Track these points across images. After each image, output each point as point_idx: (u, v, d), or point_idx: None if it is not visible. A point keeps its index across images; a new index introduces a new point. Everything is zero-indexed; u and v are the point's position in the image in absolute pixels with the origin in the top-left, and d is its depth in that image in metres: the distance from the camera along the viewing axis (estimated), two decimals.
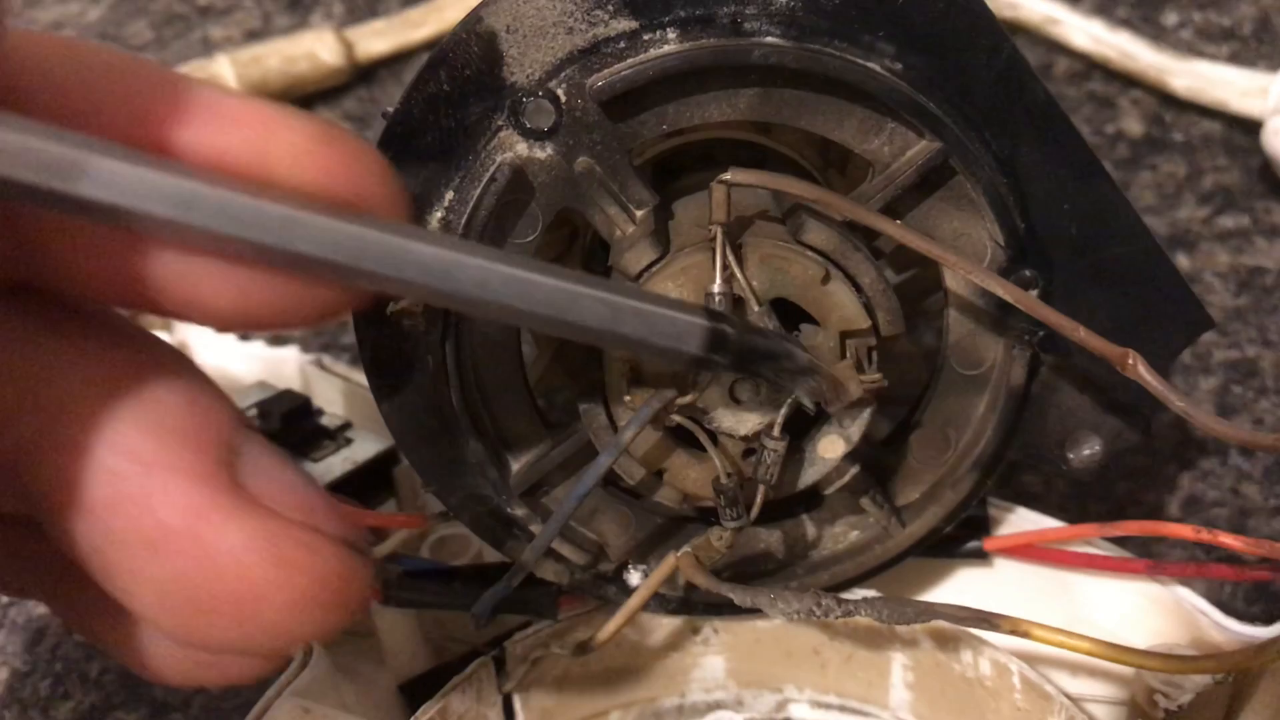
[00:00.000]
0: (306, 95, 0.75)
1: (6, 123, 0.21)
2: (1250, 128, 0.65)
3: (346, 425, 0.45)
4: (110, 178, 0.21)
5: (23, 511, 0.25)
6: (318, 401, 0.47)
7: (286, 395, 0.46)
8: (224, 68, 0.71)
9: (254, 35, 0.80)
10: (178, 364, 0.25)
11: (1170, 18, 0.75)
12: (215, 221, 0.22)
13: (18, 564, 0.28)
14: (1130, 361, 0.32)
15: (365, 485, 0.44)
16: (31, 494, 0.23)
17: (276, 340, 0.54)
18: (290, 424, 0.45)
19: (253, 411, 0.46)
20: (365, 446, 0.44)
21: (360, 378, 0.49)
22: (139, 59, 0.24)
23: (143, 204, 0.21)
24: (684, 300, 0.28)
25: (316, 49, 0.74)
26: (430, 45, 0.66)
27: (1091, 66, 0.72)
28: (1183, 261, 0.60)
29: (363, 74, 0.76)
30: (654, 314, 0.27)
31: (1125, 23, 0.73)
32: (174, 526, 0.23)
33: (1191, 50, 0.71)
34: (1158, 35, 0.72)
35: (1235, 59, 0.71)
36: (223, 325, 0.24)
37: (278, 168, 0.23)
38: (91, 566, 0.24)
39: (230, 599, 0.23)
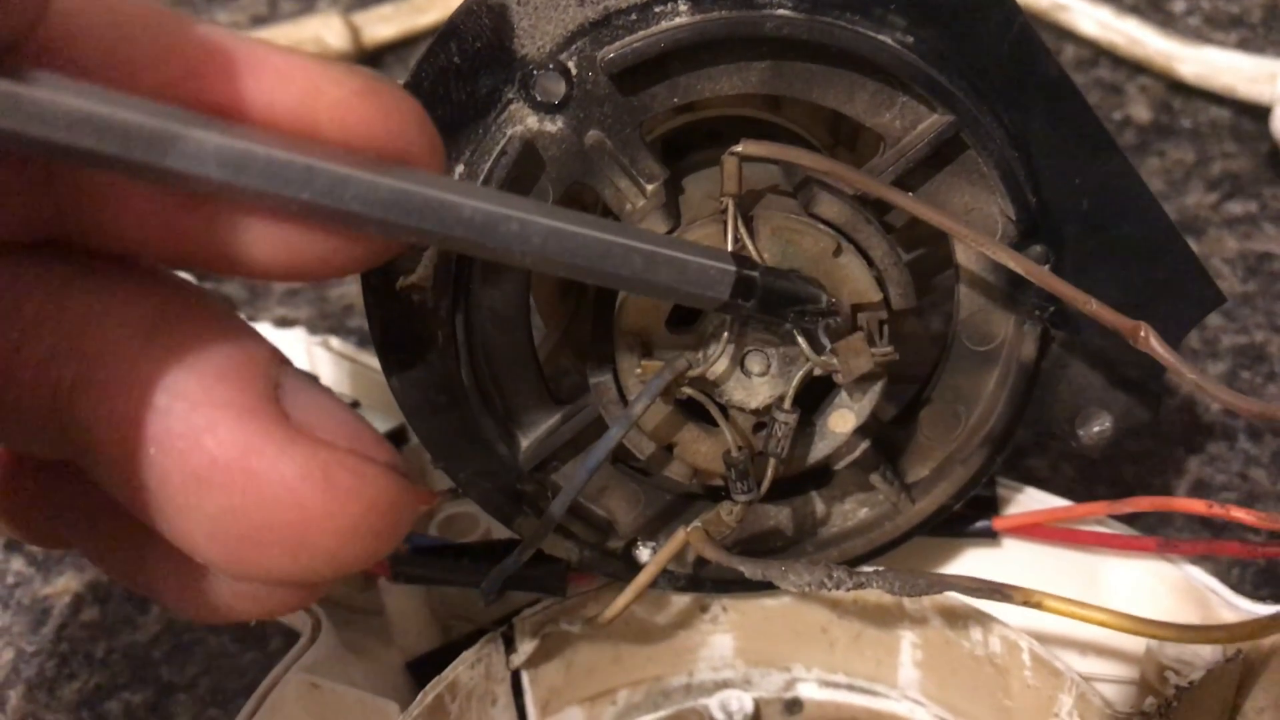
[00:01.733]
0: None
1: (88, 93, 0.21)
2: (1258, 114, 0.65)
3: (355, 404, 0.45)
4: (196, 149, 0.22)
5: (63, 457, 0.25)
6: (325, 381, 0.47)
7: None
8: None
9: (260, 20, 0.80)
10: (212, 304, 0.25)
11: (1178, 4, 0.75)
12: (269, 183, 0.22)
13: (56, 511, 0.28)
14: (1142, 334, 0.32)
15: None
16: (74, 439, 0.24)
17: (283, 322, 0.54)
18: None
19: None
20: (374, 424, 0.44)
21: (367, 358, 0.49)
22: (182, 15, 0.24)
23: (219, 172, 0.22)
24: (711, 247, 0.30)
25: (323, 34, 0.73)
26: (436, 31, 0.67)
27: (1099, 53, 0.71)
28: (1191, 247, 0.60)
29: (369, 59, 0.76)
30: (686, 261, 0.29)
31: (1133, 9, 0.73)
32: (224, 460, 0.23)
33: (1200, 37, 0.71)
34: (1166, 22, 0.72)
35: (1244, 45, 0.71)
36: (267, 277, 0.25)
37: (324, 122, 0.24)
38: (140, 507, 0.24)
39: (284, 529, 0.23)
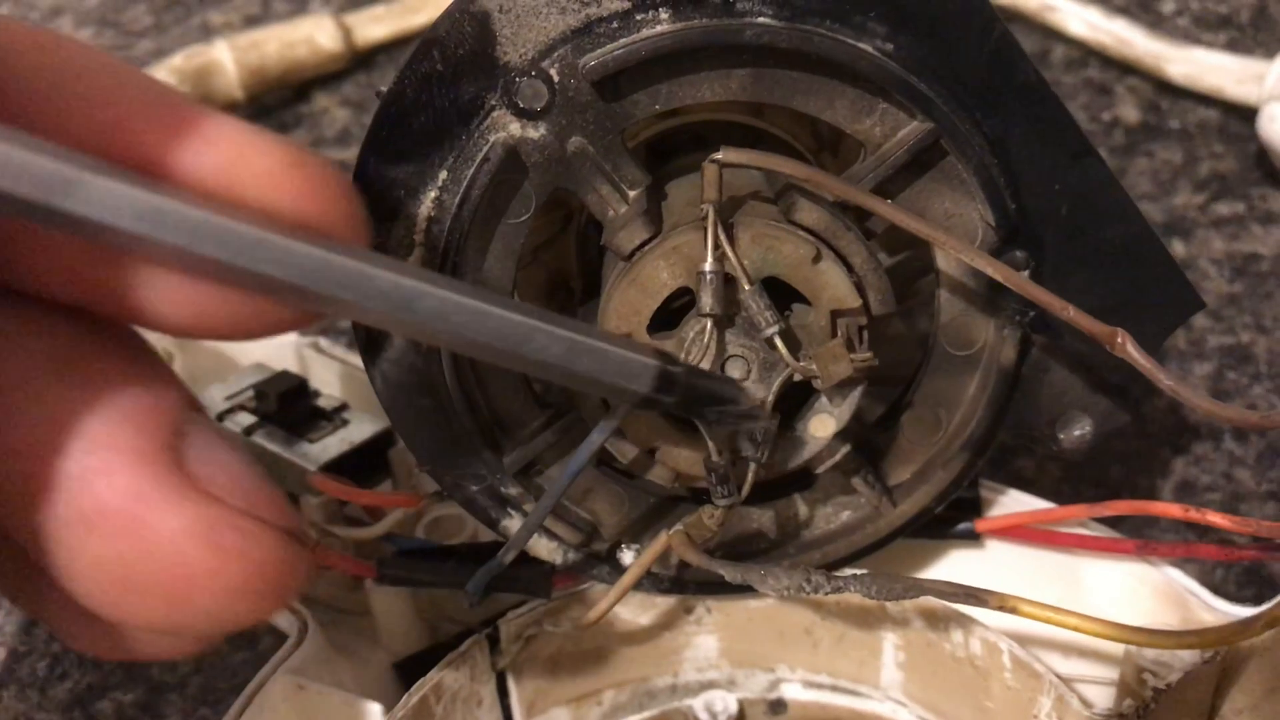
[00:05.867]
0: (305, 81, 0.75)
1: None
2: (1246, 115, 0.65)
3: (343, 406, 0.46)
4: (100, 196, 0.21)
5: None
6: (315, 383, 0.47)
7: (283, 376, 0.46)
8: (223, 53, 0.71)
9: (253, 21, 0.80)
10: (128, 344, 0.25)
11: (1167, 5, 0.75)
12: (180, 238, 0.22)
13: None
14: (1119, 340, 0.32)
15: (361, 466, 0.44)
16: None
17: None
18: (287, 405, 0.45)
19: (250, 392, 0.46)
20: (361, 428, 0.44)
21: (357, 360, 0.49)
22: (124, 66, 0.24)
23: (123, 221, 0.22)
24: (635, 340, 0.29)
25: (315, 34, 0.74)
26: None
27: (1088, 53, 0.72)
28: (1178, 248, 0.60)
29: (362, 59, 0.77)
30: (607, 352, 0.28)
31: (1122, 10, 0.73)
32: (113, 506, 0.22)
33: (1188, 37, 0.71)
34: (1154, 22, 0.72)
35: (1232, 46, 0.71)
36: (175, 333, 0.25)
37: (248, 189, 0.23)
38: (30, 541, 0.23)
39: (165, 582, 0.23)
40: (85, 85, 0.23)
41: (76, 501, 0.23)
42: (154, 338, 0.53)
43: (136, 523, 0.22)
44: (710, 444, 0.34)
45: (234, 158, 0.23)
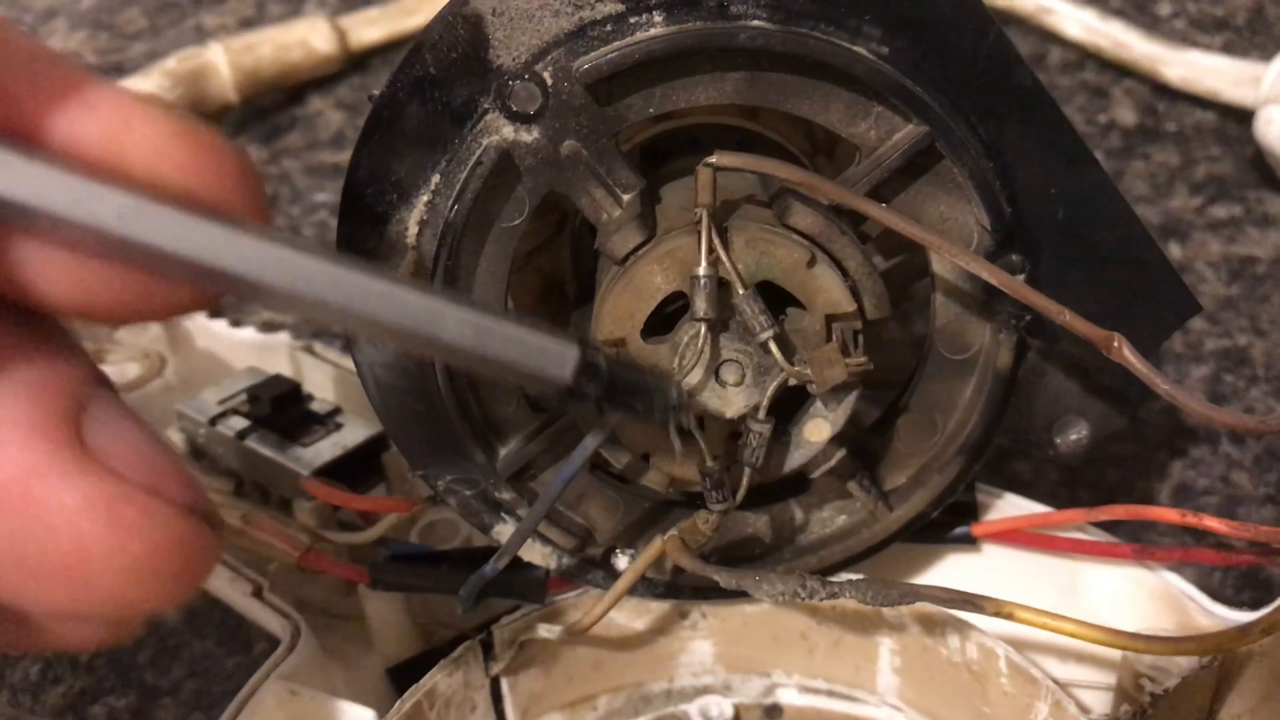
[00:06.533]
0: (300, 83, 0.75)
1: None
2: (1243, 117, 0.65)
3: (337, 410, 0.45)
4: None
5: None
6: (308, 387, 0.47)
7: (277, 380, 0.46)
8: (217, 55, 0.71)
9: (248, 23, 0.80)
10: (23, 313, 0.23)
11: (1164, 7, 0.75)
12: (63, 207, 0.21)
13: None
14: (1115, 344, 0.32)
15: (355, 470, 0.44)
16: None
17: (268, 326, 0.54)
18: (281, 409, 0.45)
19: (243, 396, 0.46)
20: (355, 432, 0.44)
21: (351, 364, 0.49)
22: (6, 28, 0.23)
23: None
24: (556, 327, 0.28)
25: (310, 37, 0.74)
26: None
27: (1085, 56, 0.72)
28: (1175, 251, 0.60)
29: (356, 62, 0.77)
30: (524, 337, 0.26)
31: (1118, 12, 0.73)
32: (3, 481, 0.21)
33: (1185, 40, 0.71)
34: (1151, 25, 0.72)
35: (1228, 49, 0.71)
36: (65, 313, 0.23)
37: (132, 159, 0.22)
38: None
39: (61, 562, 0.22)
40: None
41: None
42: (144, 341, 0.53)
43: (30, 498, 0.21)
44: (704, 448, 0.34)
45: (118, 125, 0.22)
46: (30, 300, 0.22)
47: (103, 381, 0.24)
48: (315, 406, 0.46)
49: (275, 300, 0.23)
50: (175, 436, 0.46)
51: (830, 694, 0.42)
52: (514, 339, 0.26)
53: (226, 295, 0.23)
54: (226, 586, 0.41)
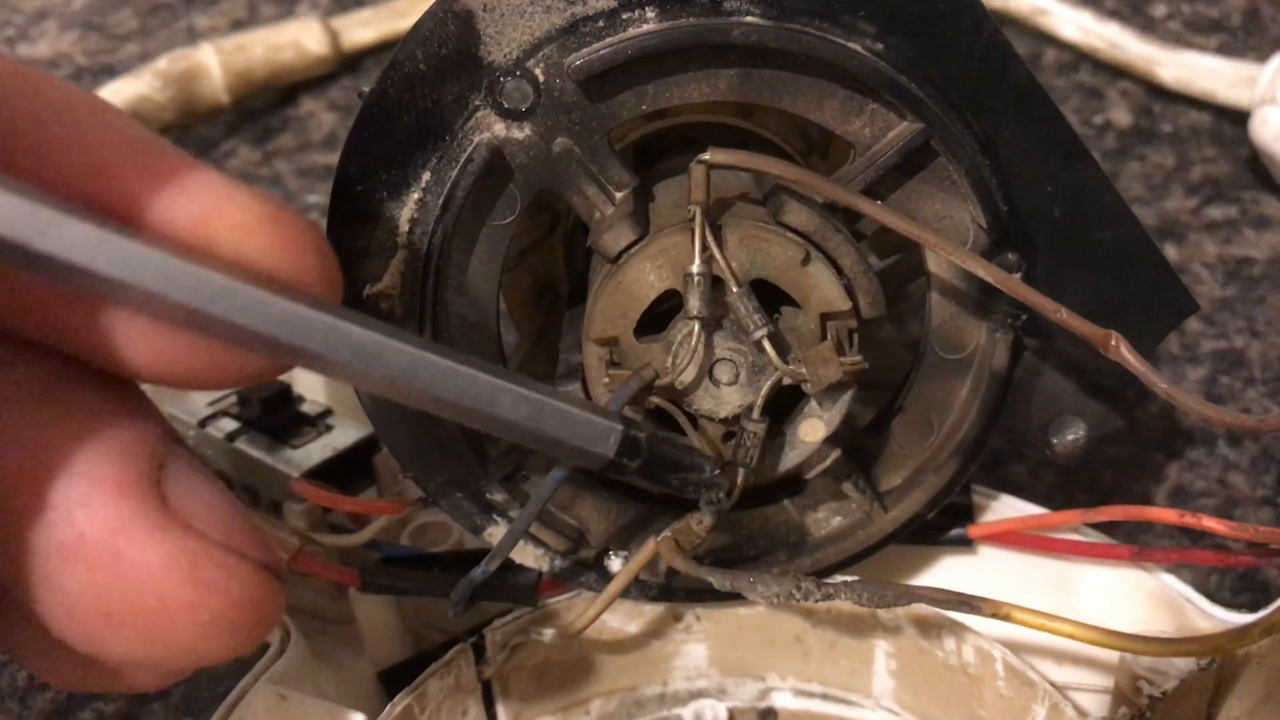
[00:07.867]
0: (292, 85, 0.75)
1: None
2: (1238, 118, 0.65)
3: (327, 412, 0.45)
4: (74, 239, 0.21)
5: None
6: (298, 388, 0.47)
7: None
8: (208, 57, 0.71)
9: (239, 24, 0.80)
10: (111, 379, 0.24)
11: (1159, 8, 0.75)
12: (157, 285, 0.22)
13: None
14: (1113, 343, 0.32)
15: (346, 472, 0.43)
16: None
17: None
18: (271, 410, 0.44)
19: (233, 398, 0.45)
20: (346, 433, 0.44)
21: None
22: (104, 105, 0.24)
23: (97, 265, 0.22)
24: (599, 405, 0.30)
25: (302, 38, 0.73)
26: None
27: (1080, 57, 0.72)
28: (1171, 252, 0.60)
29: (348, 63, 0.76)
30: (574, 415, 0.28)
31: (1114, 13, 0.73)
32: (92, 536, 0.22)
33: (1180, 41, 0.71)
34: (1146, 26, 0.72)
35: (1224, 50, 0.71)
36: (146, 380, 0.24)
37: (222, 241, 0.23)
38: (4, 570, 0.23)
39: (142, 615, 0.23)
40: (67, 127, 0.23)
41: (56, 532, 0.22)
42: None
43: (116, 554, 0.22)
44: (698, 447, 0.34)
45: (211, 209, 0.23)
46: (116, 366, 0.24)
47: (177, 439, 0.25)
48: (305, 408, 0.45)
49: (345, 375, 0.25)
50: None
51: (825, 697, 0.42)
52: (563, 416, 0.28)
53: (297, 367, 0.24)
54: None
